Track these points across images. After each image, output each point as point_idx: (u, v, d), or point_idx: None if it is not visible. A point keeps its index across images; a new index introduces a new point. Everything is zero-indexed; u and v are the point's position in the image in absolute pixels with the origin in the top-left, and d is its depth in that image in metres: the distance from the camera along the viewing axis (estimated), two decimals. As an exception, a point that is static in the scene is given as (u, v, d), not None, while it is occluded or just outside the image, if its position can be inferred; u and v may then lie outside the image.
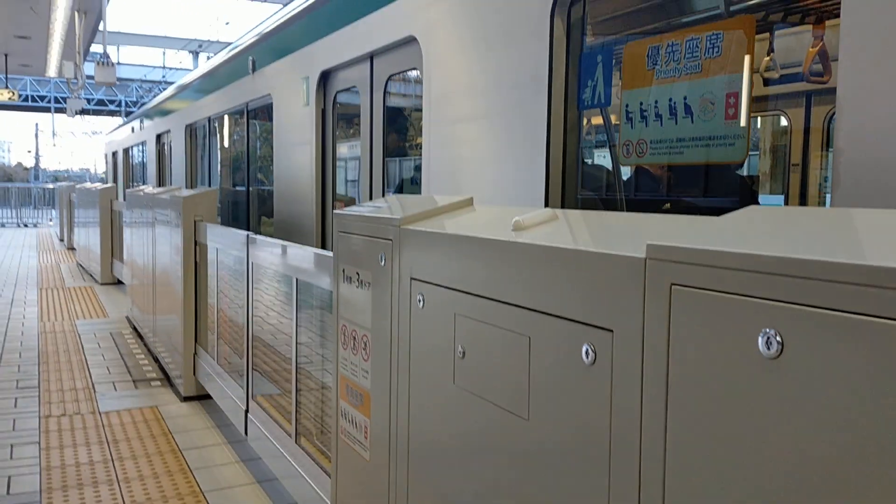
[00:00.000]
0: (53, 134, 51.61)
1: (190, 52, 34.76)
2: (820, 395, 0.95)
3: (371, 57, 4.13)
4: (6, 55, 18.52)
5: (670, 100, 2.05)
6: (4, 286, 10.91)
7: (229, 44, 8.18)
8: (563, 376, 1.42)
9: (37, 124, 53.32)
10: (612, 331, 1.29)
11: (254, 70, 6.17)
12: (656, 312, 1.19)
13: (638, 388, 1.23)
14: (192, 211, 5.36)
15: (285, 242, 3.61)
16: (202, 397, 5.36)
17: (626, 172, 2.61)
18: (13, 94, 22.10)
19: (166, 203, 5.88)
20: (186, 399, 5.39)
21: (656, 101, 2.11)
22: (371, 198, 4.26)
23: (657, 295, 1.19)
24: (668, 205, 2.70)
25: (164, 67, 38.48)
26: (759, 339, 1.01)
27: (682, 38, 2.02)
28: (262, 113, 6.57)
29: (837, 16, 2.29)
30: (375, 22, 3.89)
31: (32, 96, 39.32)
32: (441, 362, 1.85)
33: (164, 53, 38.48)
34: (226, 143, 8.10)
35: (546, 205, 2.55)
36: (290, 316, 3.60)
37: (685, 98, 2.01)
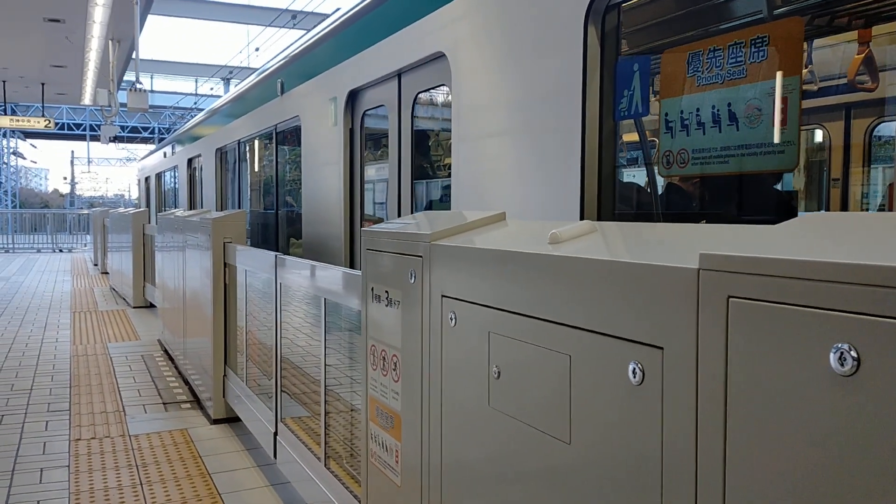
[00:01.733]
0: (88, 161, 52.65)
1: (221, 79, 35.31)
2: (903, 416, 0.85)
3: (399, 75, 4.09)
4: (43, 84, 18.96)
5: (713, 107, 1.97)
6: (39, 310, 11.03)
7: (258, 69, 8.25)
8: (607, 397, 1.33)
9: (72, 151, 54.43)
10: (661, 348, 1.20)
11: (282, 92, 6.18)
12: (712, 327, 1.10)
13: (692, 410, 1.14)
14: (221, 233, 5.35)
15: (313, 262, 3.56)
16: (231, 420, 5.31)
17: (664, 186, 2.51)
18: (49, 122, 22.59)
19: (196, 226, 5.88)
20: (216, 421, 5.34)
21: (698, 110, 2.02)
22: (399, 216, 4.21)
23: (712, 309, 1.10)
24: (703, 220, 2.60)
25: (195, 94, 39.16)
26: (831, 354, 0.92)
27: (725, 44, 1.94)
28: (290, 135, 6.58)
29: (888, 20, 2.19)
30: (403, 39, 3.86)
31: (68, 124, 40.22)
32: (475, 383, 1.77)
33: (196, 81, 39.14)
34: (255, 166, 8.14)
35: (582, 219, 2.46)
36: (319, 337, 3.54)
37: (729, 105, 1.92)
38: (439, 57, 3.53)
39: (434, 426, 1.98)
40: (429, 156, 4.40)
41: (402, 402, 2.19)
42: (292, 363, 4.18)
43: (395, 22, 3.94)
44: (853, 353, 0.90)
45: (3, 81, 18.05)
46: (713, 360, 1.10)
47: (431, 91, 3.93)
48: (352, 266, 4.93)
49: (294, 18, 21.35)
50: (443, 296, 1.94)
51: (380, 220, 4.86)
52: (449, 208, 3.59)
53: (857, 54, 2.38)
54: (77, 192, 58.65)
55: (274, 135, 6.71)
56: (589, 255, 1.39)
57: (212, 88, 36.64)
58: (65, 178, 59.74)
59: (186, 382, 6.48)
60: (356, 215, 4.86)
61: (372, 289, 2.43)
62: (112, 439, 4.90)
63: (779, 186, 2.58)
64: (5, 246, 26.58)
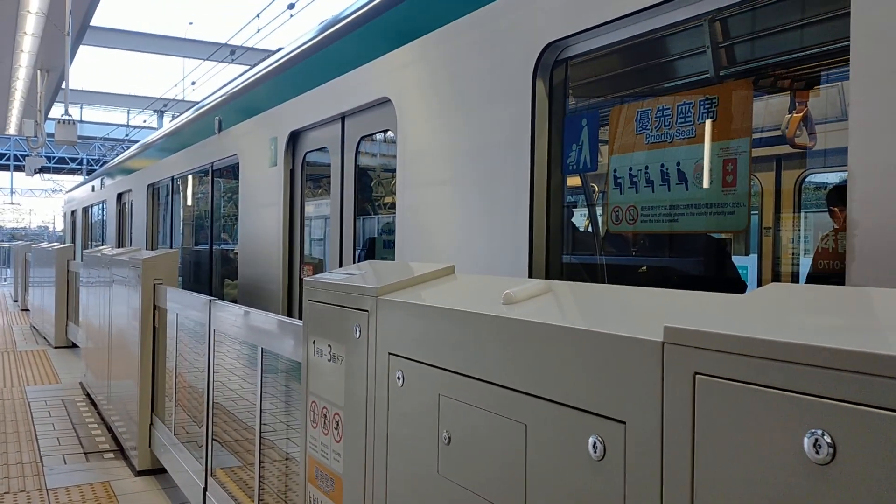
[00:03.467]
0: (12, 192, 50.65)
1: (155, 111, 34.54)
2: (883, 509, 0.81)
3: (343, 118, 4.03)
4: (-35, 112, 18.19)
5: (662, 165, 1.97)
6: (-49, 350, 10.42)
7: (195, 103, 8.07)
8: (566, 471, 1.27)
9: (-6, 182, 52.26)
10: (624, 422, 1.15)
11: (220, 130, 6.04)
12: (677, 404, 1.06)
13: (657, 490, 1.09)
14: (151, 273, 5.14)
15: (249, 309, 3.42)
16: (158, 471, 5.04)
17: (612, 240, 2.50)
18: (-30, 151, 21.65)
19: (125, 265, 5.65)
20: (141, 473, 5.07)
21: (647, 167, 2.03)
22: (341, 263, 4.11)
23: (678, 384, 1.06)
24: (644, 268, 2.60)
25: (127, 126, 38.18)
26: (805, 440, 0.88)
27: (674, 103, 1.95)
28: (227, 173, 6.43)
29: (830, 82, 2.25)
30: (347, 83, 3.81)
31: (-9, 154, 38.60)
32: (423, 448, 1.69)
33: (128, 112, 38.19)
34: (189, 204, 7.91)
35: (530, 273, 2.43)
36: (254, 386, 3.40)
37: (678, 164, 1.92)
38: (385, 102, 3.48)
39: (378, 492, 1.89)
40: (372, 200, 4.33)
41: (345, 465, 2.08)
42: (224, 408, 4.00)
43: (339, 65, 3.89)
44: (828, 440, 0.86)
45: (-78, 109, 17.28)
46: (679, 439, 1.05)
47: (377, 135, 3.88)
48: (290, 310, 4.79)
49: (233, 54, 21.09)
50: (390, 353, 1.87)
51: (320, 262, 4.75)
52: (393, 255, 3.52)
53: (796, 113, 2.44)
54: (-2, 224, 56.29)
55: (210, 172, 6.54)
56: (546, 319, 1.35)
57: (145, 121, 35.83)
58: (-15, 209, 57.30)
59: (110, 430, 6.16)
60: (295, 258, 4.74)
61: (313, 342, 2.33)
62: (28, 493, 4.59)
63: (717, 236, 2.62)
64: (-83, 280, 25.19)
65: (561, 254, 2.42)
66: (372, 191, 4.38)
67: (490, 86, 2.61)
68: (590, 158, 2.27)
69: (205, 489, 3.89)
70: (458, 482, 1.56)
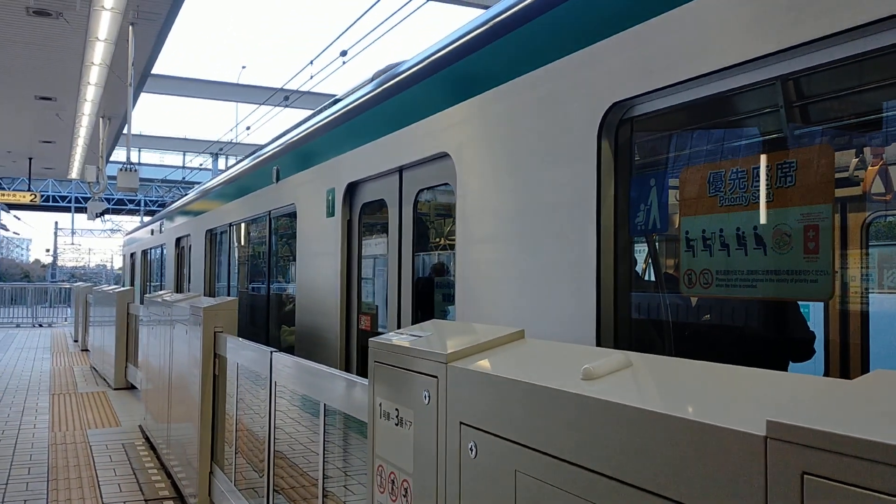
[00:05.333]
0: (73, 233, 52.41)
1: (210, 154, 35.54)
2: None
3: (400, 171, 4.07)
4: (30, 159, 19.01)
5: (738, 229, 1.92)
6: (17, 392, 10.70)
7: (250, 146, 8.26)
8: (658, 565, 1.22)
9: (56, 223, 54.24)
10: (723, 519, 1.10)
11: (278, 179, 6.16)
12: (783, 505, 1.01)
13: None
14: (212, 322, 5.21)
15: (312, 364, 3.43)
16: (217, 520, 5.06)
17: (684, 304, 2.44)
18: (35, 196, 22.53)
19: (186, 312, 5.75)
20: (200, 522, 5.09)
21: (721, 230, 1.98)
22: (399, 315, 4.10)
23: (783, 484, 1.01)
24: (714, 330, 2.53)
25: (184, 168, 39.33)
26: (936, 558, 0.83)
27: (749, 166, 1.91)
28: (285, 221, 6.53)
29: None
30: (405, 137, 3.84)
31: (53, 196, 40.11)
32: (500, 525, 1.65)
33: (184, 155, 39.41)
34: (247, 251, 8.06)
35: (597, 337, 2.37)
36: (313, 432, 3.39)
37: (755, 229, 1.88)
38: (443, 157, 3.50)
39: (452, 566, 1.84)
40: (431, 252, 4.34)
41: (415, 534, 2.05)
42: (282, 454, 4.00)
43: (397, 119, 3.94)
44: (961, 560, 0.81)
45: (-9, 156, 18.11)
46: (787, 542, 1.00)
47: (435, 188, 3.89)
48: (347, 361, 4.80)
49: (286, 99, 21.60)
50: (461, 423, 1.84)
51: (377, 312, 4.75)
52: (451, 313, 3.50)
53: (871, 166, 2.37)
54: (59, 263, 58.20)
55: (268, 220, 6.66)
56: (632, 400, 1.31)
57: (201, 164, 36.82)
58: (47, 251, 59.37)
59: (169, 475, 6.22)
60: (353, 308, 4.76)
61: (380, 405, 2.31)
62: (90, 542, 4.64)
63: None
64: (-16, 320, 26.09)
65: (630, 317, 2.37)
66: (430, 241, 4.38)
67: (553, 144, 2.60)
68: (659, 219, 2.23)
69: (265, 543, 3.88)
70: (539, 565, 1.51)
